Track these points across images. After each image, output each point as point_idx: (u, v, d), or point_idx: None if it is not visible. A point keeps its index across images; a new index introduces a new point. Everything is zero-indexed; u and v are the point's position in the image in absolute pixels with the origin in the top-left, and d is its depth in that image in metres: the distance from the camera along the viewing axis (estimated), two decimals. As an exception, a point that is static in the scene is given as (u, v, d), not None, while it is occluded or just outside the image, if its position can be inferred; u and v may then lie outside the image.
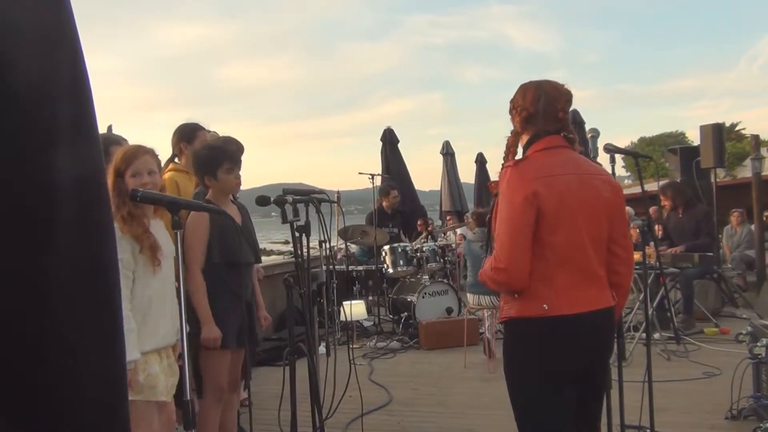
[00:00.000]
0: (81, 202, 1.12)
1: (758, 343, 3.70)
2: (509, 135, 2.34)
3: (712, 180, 7.80)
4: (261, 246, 3.43)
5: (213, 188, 3.19)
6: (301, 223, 2.97)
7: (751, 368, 3.85)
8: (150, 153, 2.65)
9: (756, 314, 6.44)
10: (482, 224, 5.91)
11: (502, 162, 2.29)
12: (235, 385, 3.35)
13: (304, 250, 3.03)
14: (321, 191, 3.23)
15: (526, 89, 2.28)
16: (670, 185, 7.37)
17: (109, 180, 2.57)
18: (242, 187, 3.40)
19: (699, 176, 7.77)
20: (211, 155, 3.19)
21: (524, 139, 2.27)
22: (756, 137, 8.16)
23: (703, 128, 7.53)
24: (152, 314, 2.56)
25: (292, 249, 3.11)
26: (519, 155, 2.28)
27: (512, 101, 2.31)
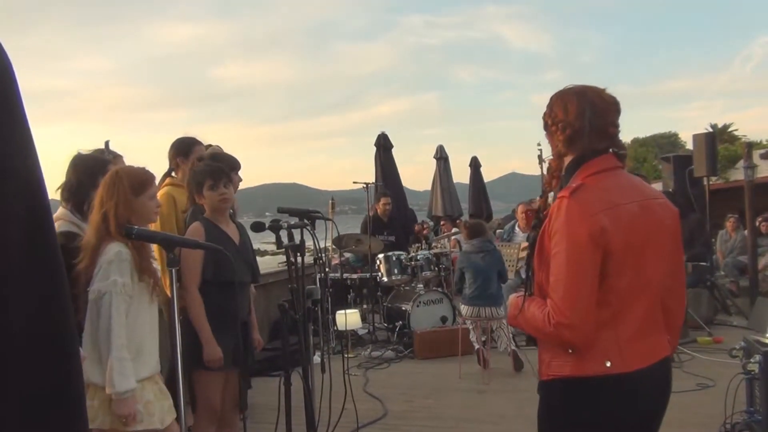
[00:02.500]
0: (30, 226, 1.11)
1: (751, 360, 3.70)
2: (550, 157, 1.98)
3: (705, 183, 7.82)
4: (255, 246, 3.43)
5: (205, 206, 3.21)
6: (296, 242, 2.97)
7: (745, 383, 3.85)
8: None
9: (750, 328, 6.47)
10: (475, 236, 5.91)
11: (543, 189, 1.98)
12: (235, 405, 3.34)
13: (301, 265, 3.02)
14: (316, 211, 3.23)
15: (566, 100, 1.89)
16: (663, 194, 7.41)
17: (118, 199, 2.54)
18: (238, 187, 3.39)
19: (692, 184, 7.80)
20: (195, 173, 3.24)
21: (566, 160, 1.92)
22: (749, 145, 8.20)
23: (696, 137, 7.57)
24: (146, 342, 2.55)
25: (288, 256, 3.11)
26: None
27: (550, 116, 1.93)
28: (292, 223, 2.80)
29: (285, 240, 2.75)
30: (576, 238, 1.74)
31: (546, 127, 1.97)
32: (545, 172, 1.98)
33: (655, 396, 1.89)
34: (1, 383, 1.04)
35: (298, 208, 3.25)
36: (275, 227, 2.73)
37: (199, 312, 3.00)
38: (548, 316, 1.77)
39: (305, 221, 3.20)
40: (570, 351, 1.80)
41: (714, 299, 7.27)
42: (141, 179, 2.63)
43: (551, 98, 1.95)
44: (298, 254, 2.98)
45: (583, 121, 1.85)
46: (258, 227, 2.90)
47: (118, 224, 2.48)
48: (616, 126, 1.91)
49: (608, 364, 1.76)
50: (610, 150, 1.91)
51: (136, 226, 2.07)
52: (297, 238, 2.99)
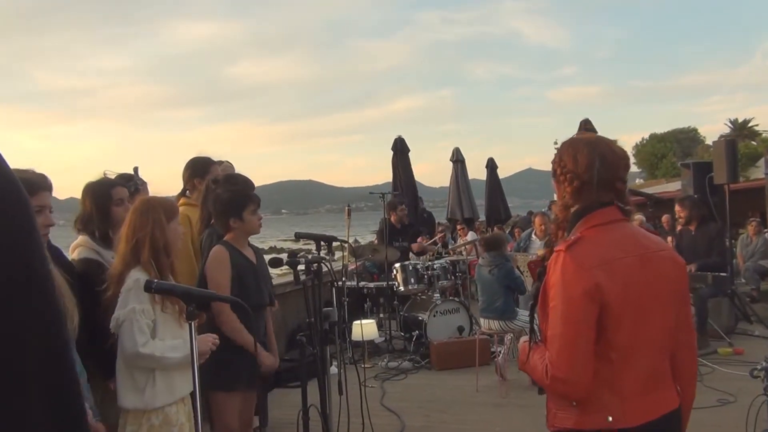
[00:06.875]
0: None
1: (773, 382, 3.64)
2: (556, 207, 1.96)
3: (725, 190, 7.69)
4: (272, 244, 3.44)
5: (236, 230, 3.21)
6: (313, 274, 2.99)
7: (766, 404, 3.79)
8: None
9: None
10: (489, 249, 5.90)
11: (549, 240, 1.97)
12: (248, 425, 3.39)
13: (319, 298, 3.05)
14: (332, 237, 3.25)
15: (576, 150, 1.87)
16: (689, 198, 7.32)
17: (153, 227, 2.57)
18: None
19: (712, 192, 7.69)
20: (237, 197, 3.21)
21: (572, 210, 1.90)
22: (772, 152, 8.06)
23: (715, 143, 7.47)
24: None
25: (304, 247, 3.13)
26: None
27: (559, 164, 1.91)
28: (310, 257, 2.81)
29: (303, 266, 2.76)
30: (571, 293, 1.75)
31: (554, 174, 1.96)
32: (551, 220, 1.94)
33: None
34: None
35: (315, 234, 3.27)
36: (293, 263, 2.75)
37: (239, 327, 3.04)
38: (546, 369, 1.79)
39: (322, 244, 3.22)
40: (573, 404, 1.81)
41: (734, 308, 7.17)
42: (171, 207, 2.72)
43: (561, 145, 1.94)
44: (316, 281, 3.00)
45: (591, 172, 1.83)
46: (276, 263, 2.92)
47: (154, 251, 2.53)
48: (624, 182, 1.90)
49: (610, 419, 1.76)
50: (616, 203, 1.88)
51: (155, 280, 2.09)
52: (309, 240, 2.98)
